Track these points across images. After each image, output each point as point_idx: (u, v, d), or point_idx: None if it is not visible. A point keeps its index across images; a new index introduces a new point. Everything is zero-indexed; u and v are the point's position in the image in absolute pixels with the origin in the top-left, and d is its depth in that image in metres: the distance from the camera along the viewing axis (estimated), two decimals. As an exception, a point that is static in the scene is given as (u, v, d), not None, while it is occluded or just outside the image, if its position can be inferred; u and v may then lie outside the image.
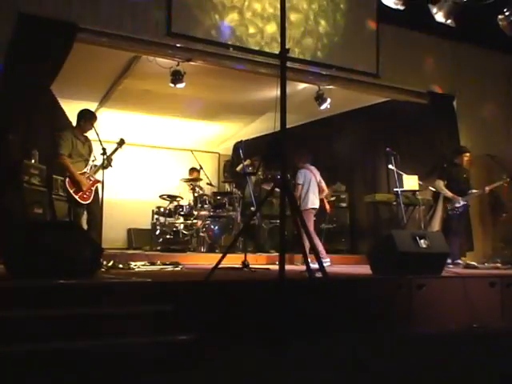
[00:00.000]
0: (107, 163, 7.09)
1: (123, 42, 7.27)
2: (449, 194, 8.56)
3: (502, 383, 3.81)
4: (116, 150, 7.29)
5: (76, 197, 6.74)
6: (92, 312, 4.13)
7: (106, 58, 7.93)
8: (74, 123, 8.16)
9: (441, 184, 8.69)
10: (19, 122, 6.58)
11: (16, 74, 6.38)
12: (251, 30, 7.97)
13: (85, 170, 7.06)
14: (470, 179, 8.80)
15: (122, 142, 7.34)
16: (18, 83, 6.38)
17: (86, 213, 7.11)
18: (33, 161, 7.72)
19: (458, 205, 8.50)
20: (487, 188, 8.65)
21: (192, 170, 10.76)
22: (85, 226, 6.98)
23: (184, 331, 4.22)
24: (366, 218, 10.66)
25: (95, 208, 7.01)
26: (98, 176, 7.07)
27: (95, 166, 7.14)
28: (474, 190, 8.65)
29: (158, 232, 9.78)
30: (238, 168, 9.93)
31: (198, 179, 10.41)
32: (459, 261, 8.35)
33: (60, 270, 4.40)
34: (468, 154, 8.82)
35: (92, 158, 7.14)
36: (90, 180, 6.98)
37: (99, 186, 7.08)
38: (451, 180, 8.67)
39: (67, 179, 6.85)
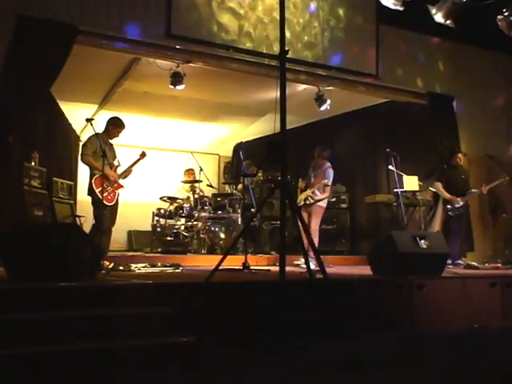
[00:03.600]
0: (127, 173, 7.16)
1: (123, 44, 7.27)
2: (447, 195, 8.59)
3: (502, 383, 3.81)
4: (137, 161, 7.31)
5: (101, 197, 6.72)
6: (92, 314, 4.13)
7: (105, 60, 7.92)
8: (74, 127, 8.14)
9: (439, 186, 8.72)
10: (19, 124, 6.58)
11: (15, 76, 6.38)
12: (251, 31, 7.97)
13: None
14: (468, 179, 8.81)
15: (143, 155, 7.36)
16: (17, 85, 6.37)
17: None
18: (33, 163, 7.74)
19: (457, 205, 8.52)
20: (486, 187, 8.67)
21: (188, 171, 10.73)
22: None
23: (185, 333, 4.23)
24: (366, 219, 10.65)
25: (114, 212, 7.01)
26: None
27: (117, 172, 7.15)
28: (474, 190, 8.67)
29: (158, 234, 9.78)
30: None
31: (197, 181, 10.38)
32: (460, 261, 8.36)
33: (60, 273, 4.40)
34: (460, 155, 8.84)
35: (116, 163, 7.13)
36: (116, 183, 6.98)
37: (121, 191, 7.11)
38: (449, 182, 8.70)
39: (93, 179, 6.82)
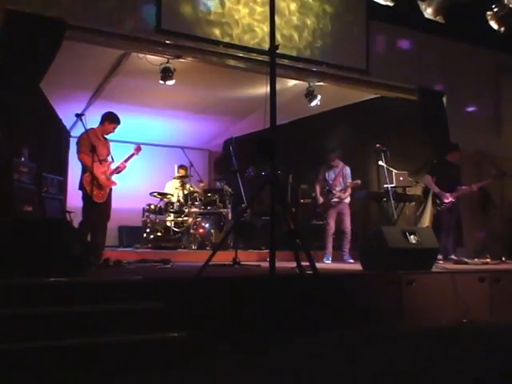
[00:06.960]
0: (120, 168, 7.09)
1: (112, 39, 7.23)
2: (436, 189, 8.62)
3: (490, 377, 3.83)
4: (132, 156, 7.27)
5: (91, 194, 6.68)
6: (82, 310, 4.13)
7: (95, 55, 7.89)
8: (65, 122, 8.04)
9: (429, 179, 8.74)
10: (8, 120, 6.54)
11: (4, 71, 6.33)
12: (241, 27, 7.95)
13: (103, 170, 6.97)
14: (460, 176, 8.84)
15: (138, 149, 7.35)
16: (6, 81, 6.33)
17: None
18: (22, 159, 7.69)
19: (446, 200, 8.55)
20: (475, 186, 8.71)
21: (181, 167, 10.73)
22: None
23: (175, 328, 4.23)
24: (356, 215, 10.67)
25: (106, 209, 6.97)
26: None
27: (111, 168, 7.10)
28: (464, 187, 8.69)
29: (148, 229, 9.77)
30: None
31: (187, 176, 10.37)
32: (453, 256, 8.38)
33: (50, 268, 4.39)
34: (458, 152, 8.88)
35: (110, 159, 7.08)
36: (108, 180, 6.94)
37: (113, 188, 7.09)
38: (441, 176, 8.71)
39: (84, 176, 6.77)
